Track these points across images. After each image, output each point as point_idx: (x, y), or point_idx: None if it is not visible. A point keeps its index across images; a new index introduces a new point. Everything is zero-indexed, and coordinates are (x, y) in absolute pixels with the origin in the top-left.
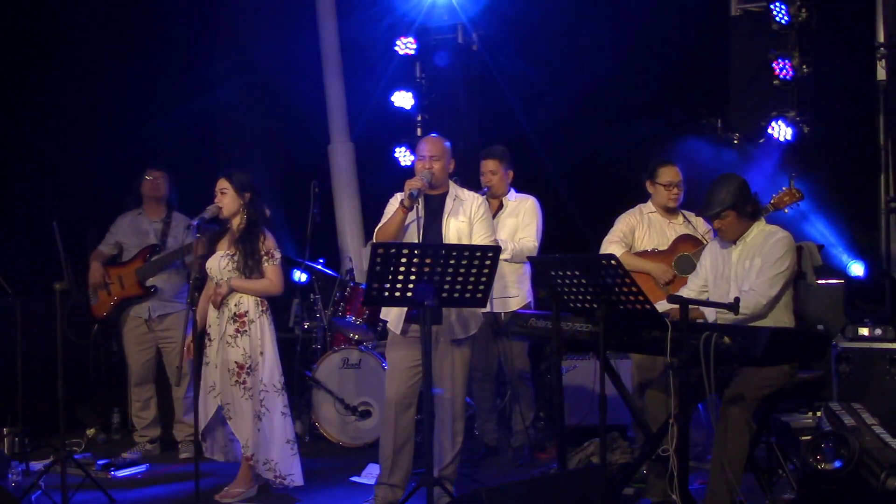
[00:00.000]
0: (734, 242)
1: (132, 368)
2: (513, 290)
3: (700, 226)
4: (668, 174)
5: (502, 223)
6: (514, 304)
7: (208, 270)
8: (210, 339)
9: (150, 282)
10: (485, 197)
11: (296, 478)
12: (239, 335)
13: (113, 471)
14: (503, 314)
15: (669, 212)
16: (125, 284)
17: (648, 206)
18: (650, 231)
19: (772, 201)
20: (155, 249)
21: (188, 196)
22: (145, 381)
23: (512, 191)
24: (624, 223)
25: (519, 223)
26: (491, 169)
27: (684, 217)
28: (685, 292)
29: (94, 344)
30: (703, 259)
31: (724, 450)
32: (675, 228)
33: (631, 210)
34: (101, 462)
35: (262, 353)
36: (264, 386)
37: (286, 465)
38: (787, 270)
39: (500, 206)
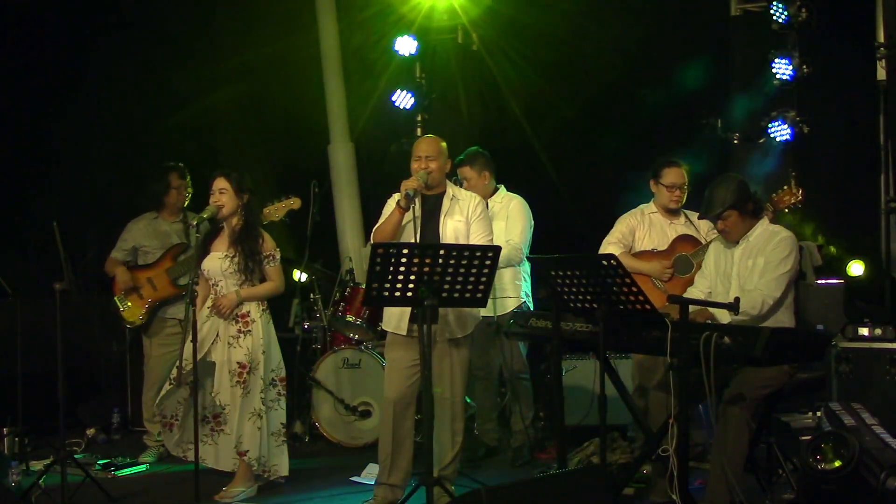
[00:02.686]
0: (737, 242)
1: (153, 371)
2: (509, 291)
3: (703, 225)
4: (672, 175)
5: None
6: (511, 305)
7: (205, 272)
8: (202, 341)
9: (182, 280)
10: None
11: (280, 468)
12: (242, 335)
13: (113, 471)
14: (496, 316)
15: (671, 212)
16: (157, 286)
17: (650, 207)
18: (651, 231)
19: (771, 200)
20: (186, 248)
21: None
22: (163, 384)
23: (501, 189)
24: (624, 224)
25: (506, 226)
26: (465, 176)
27: (686, 217)
28: (692, 293)
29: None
30: (707, 259)
31: (724, 450)
32: (675, 229)
33: (632, 211)
34: (100, 462)
35: (264, 352)
36: (264, 383)
37: (272, 456)
38: (792, 270)
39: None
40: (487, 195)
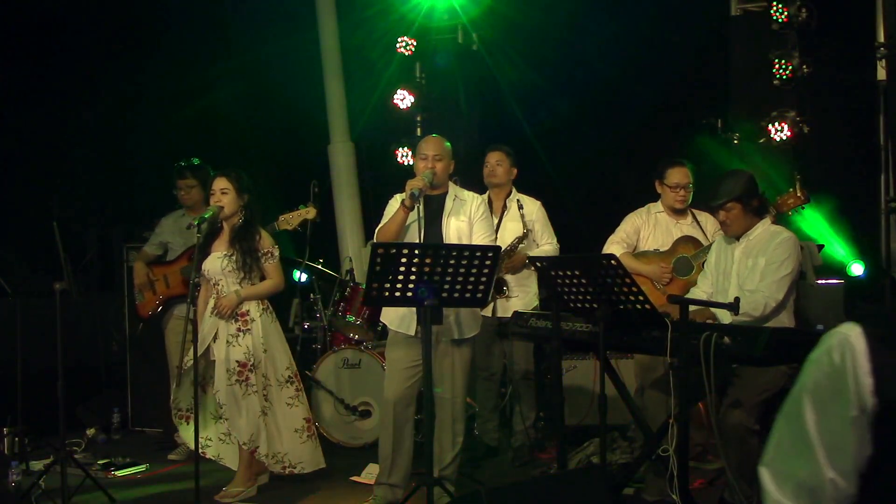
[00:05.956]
0: (738, 239)
1: (171, 365)
2: (515, 291)
3: (709, 226)
4: (676, 176)
5: (504, 227)
6: (516, 305)
7: (206, 273)
8: (202, 339)
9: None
10: (485, 197)
11: (306, 465)
12: (241, 334)
13: (113, 471)
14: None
15: (677, 212)
16: (170, 283)
17: (657, 206)
18: (656, 231)
19: (775, 203)
20: None
21: None
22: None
23: (513, 191)
24: (629, 223)
25: (540, 233)
26: (497, 160)
27: (693, 217)
28: (695, 294)
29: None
30: (709, 257)
31: (729, 460)
32: (681, 228)
33: (639, 210)
34: (100, 462)
35: (265, 351)
36: (268, 381)
37: (295, 455)
38: (793, 272)
39: (504, 209)
40: (504, 190)
